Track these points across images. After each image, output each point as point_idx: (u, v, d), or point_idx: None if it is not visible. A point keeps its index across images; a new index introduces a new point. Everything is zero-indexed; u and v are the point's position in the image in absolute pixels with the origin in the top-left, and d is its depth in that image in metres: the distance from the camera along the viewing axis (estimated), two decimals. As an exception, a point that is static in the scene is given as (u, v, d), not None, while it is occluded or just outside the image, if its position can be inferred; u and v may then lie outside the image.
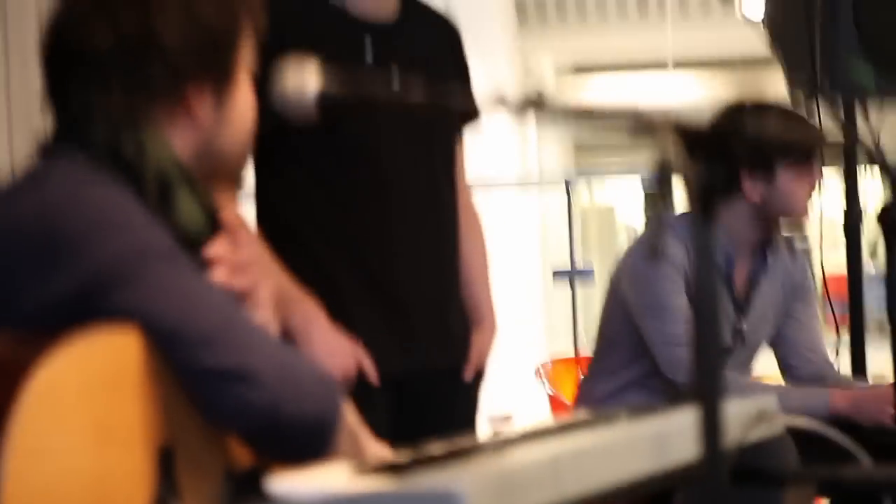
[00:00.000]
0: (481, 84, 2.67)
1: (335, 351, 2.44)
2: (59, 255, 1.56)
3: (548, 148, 16.01)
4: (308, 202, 2.55)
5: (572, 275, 4.90)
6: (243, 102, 1.78)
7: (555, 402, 3.51)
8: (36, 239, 1.58)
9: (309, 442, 1.60)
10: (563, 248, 5.27)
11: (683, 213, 3.24)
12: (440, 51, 2.68)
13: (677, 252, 3.09)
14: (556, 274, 5.04)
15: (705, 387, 1.06)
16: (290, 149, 2.51)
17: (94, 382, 1.49)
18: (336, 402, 1.66)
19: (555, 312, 10.87)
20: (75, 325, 1.50)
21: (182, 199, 1.68)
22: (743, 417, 1.59)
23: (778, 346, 3.45)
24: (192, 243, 1.70)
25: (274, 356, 1.57)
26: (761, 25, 3.70)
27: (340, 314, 2.50)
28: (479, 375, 2.70)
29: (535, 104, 1.28)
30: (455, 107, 1.50)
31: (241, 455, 1.65)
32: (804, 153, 3.09)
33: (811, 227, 3.51)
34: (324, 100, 1.52)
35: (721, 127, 1.18)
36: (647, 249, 2.95)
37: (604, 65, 16.01)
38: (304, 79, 1.56)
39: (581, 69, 16.64)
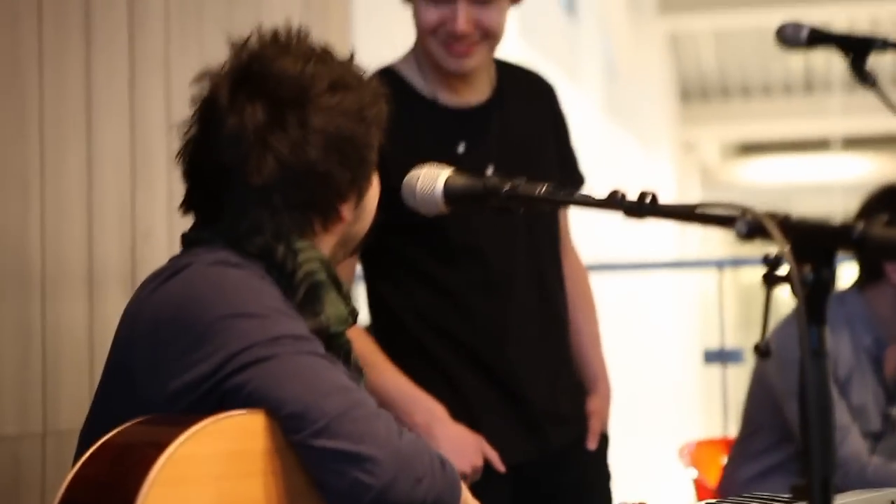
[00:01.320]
0: (642, 165, 2.72)
1: (460, 445, 2.47)
2: (199, 340, 1.67)
3: (710, 229, 15.87)
4: (419, 302, 2.59)
5: (723, 356, 4.92)
6: (373, 193, 1.93)
7: (699, 486, 3.47)
8: (179, 322, 1.70)
9: None
10: (717, 331, 5.29)
11: (838, 296, 3.21)
12: (536, 118, 2.68)
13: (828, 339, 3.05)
14: (709, 356, 5.03)
15: (816, 484, 1.06)
16: (395, 252, 2.56)
17: (222, 461, 1.57)
18: (454, 490, 1.71)
19: (707, 395, 10.74)
20: (209, 407, 1.60)
21: (328, 300, 1.81)
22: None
23: None
24: (334, 337, 1.82)
25: (393, 443, 1.62)
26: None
27: (461, 410, 2.54)
28: (604, 440, 2.72)
29: (642, 205, 1.29)
30: (554, 193, 1.51)
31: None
32: None
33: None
34: (450, 194, 1.56)
35: (850, 220, 1.18)
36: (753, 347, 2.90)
37: (769, 143, 15.85)
38: (435, 175, 1.61)
39: (747, 148, 16.51)
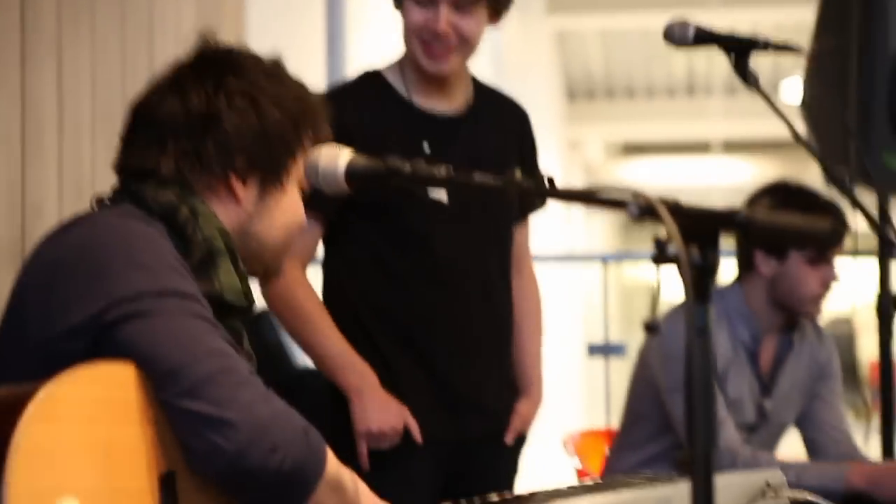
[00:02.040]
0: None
1: (384, 408, 2.67)
2: (90, 283, 1.71)
3: (594, 223, 16.09)
4: (366, 281, 2.77)
5: (606, 349, 5.02)
6: (288, 208, 1.97)
7: (582, 475, 3.54)
8: (75, 264, 1.74)
9: (278, 493, 1.70)
10: (601, 324, 5.38)
11: (718, 293, 3.32)
12: (506, 140, 2.87)
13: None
14: (592, 349, 5.13)
15: (698, 461, 1.12)
16: (353, 232, 2.76)
17: (96, 405, 1.60)
18: (317, 459, 1.75)
19: (590, 387, 10.87)
20: (86, 352, 1.64)
21: (223, 268, 1.85)
22: (748, 490, 1.64)
23: (804, 426, 3.48)
24: (226, 309, 1.85)
25: (254, 411, 1.67)
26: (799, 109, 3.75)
27: (390, 386, 2.72)
28: (520, 441, 2.90)
29: (545, 188, 1.34)
30: (511, 197, 1.57)
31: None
32: (819, 245, 3.16)
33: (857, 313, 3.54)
34: (351, 173, 1.59)
35: (730, 211, 1.24)
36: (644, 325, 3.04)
37: (651, 145, 16.12)
38: (336, 155, 1.65)
39: (630, 148, 16.76)
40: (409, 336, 2.75)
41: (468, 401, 2.77)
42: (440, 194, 2.72)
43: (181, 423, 1.65)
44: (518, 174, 1.42)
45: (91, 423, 1.58)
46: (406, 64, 2.79)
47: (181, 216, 1.84)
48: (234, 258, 1.88)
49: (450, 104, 2.81)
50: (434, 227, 2.74)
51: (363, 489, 1.89)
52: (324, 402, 4.26)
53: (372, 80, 2.79)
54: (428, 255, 2.74)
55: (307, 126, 1.95)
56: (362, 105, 2.72)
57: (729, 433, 3.19)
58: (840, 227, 3.15)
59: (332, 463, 1.80)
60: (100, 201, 1.93)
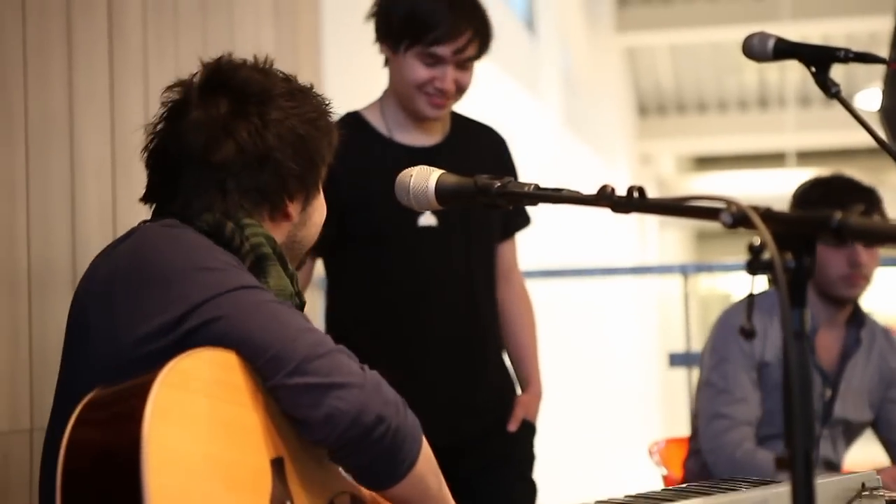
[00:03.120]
0: (600, 177, 2.96)
1: None
2: (158, 290, 1.77)
3: (669, 236, 16.01)
4: (358, 306, 2.97)
5: (688, 359, 5.06)
6: (320, 206, 2.10)
7: (668, 482, 3.56)
8: (136, 273, 1.81)
9: (390, 456, 1.77)
10: (681, 334, 5.41)
11: (765, 292, 3.36)
12: (482, 164, 2.96)
13: (760, 322, 3.27)
14: (674, 358, 5.15)
15: (798, 464, 1.14)
16: (347, 262, 2.97)
17: (217, 385, 1.67)
18: (417, 429, 1.83)
19: (671, 396, 10.83)
20: (166, 358, 1.66)
21: (273, 272, 1.93)
22: (843, 491, 1.65)
23: (881, 429, 3.50)
24: None
25: (359, 372, 1.76)
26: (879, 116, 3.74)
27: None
28: (528, 430, 3.09)
29: (631, 199, 1.37)
30: (543, 189, 1.60)
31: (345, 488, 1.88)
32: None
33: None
34: (441, 191, 1.63)
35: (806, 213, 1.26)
36: (737, 329, 3.16)
37: (724, 157, 16.03)
38: (427, 175, 1.70)
39: (702, 161, 16.68)
40: (400, 353, 2.92)
41: (461, 405, 2.97)
42: (429, 220, 2.87)
43: (296, 399, 1.71)
44: (609, 187, 1.44)
45: (214, 398, 1.65)
46: (388, 104, 3.00)
47: (227, 230, 1.91)
48: (282, 262, 1.96)
49: (429, 138, 2.99)
50: (422, 252, 2.93)
51: (445, 489, 1.94)
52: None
53: (351, 118, 2.98)
54: (416, 277, 2.93)
55: (329, 135, 2.06)
56: (344, 144, 2.85)
57: (738, 431, 3.22)
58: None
59: (427, 446, 1.86)
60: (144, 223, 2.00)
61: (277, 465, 1.73)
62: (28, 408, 2.51)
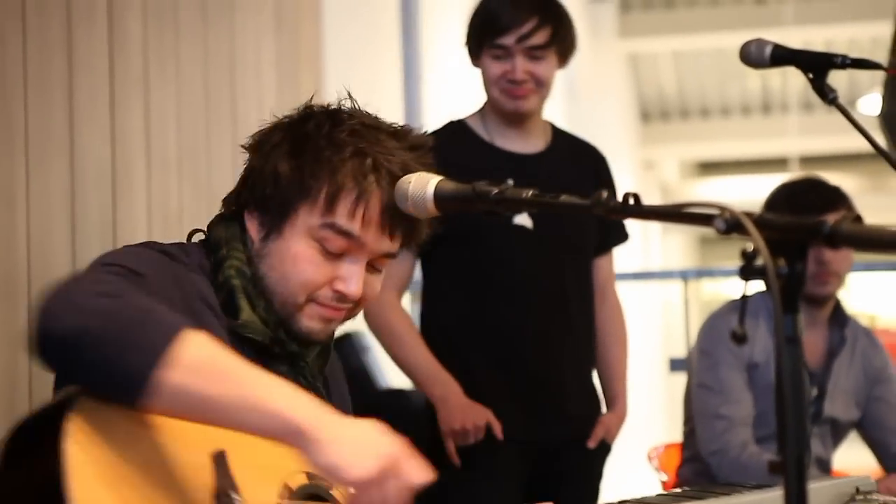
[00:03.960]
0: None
1: (466, 409, 2.93)
2: None
3: (672, 240, 16.02)
4: (455, 304, 3.08)
5: (688, 363, 5.06)
6: (289, 252, 1.92)
7: (667, 487, 3.57)
8: None
9: (103, 362, 1.51)
10: (683, 339, 5.42)
11: (751, 296, 3.38)
12: (583, 176, 3.13)
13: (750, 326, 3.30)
14: (674, 364, 5.16)
15: (790, 465, 1.14)
16: (443, 260, 3.07)
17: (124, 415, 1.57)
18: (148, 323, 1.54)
19: (672, 401, 10.83)
20: None
21: (242, 307, 1.90)
22: (837, 495, 1.66)
23: (867, 428, 3.53)
24: (251, 344, 1.89)
25: (63, 291, 1.60)
26: (879, 121, 3.76)
27: (476, 395, 2.98)
28: (604, 450, 3.15)
29: (626, 205, 1.37)
30: (540, 196, 1.60)
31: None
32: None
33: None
34: (439, 197, 1.63)
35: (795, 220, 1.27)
36: (726, 332, 3.24)
37: (728, 163, 16.03)
38: (426, 181, 1.70)
39: (706, 167, 16.68)
40: (494, 351, 3.00)
41: (549, 407, 3.03)
42: (524, 220, 2.91)
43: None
44: (604, 195, 1.45)
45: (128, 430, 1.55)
46: (487, 112, 3.11)
47: (219, 255, 1.94)
48: (249, 297, 1.91)
49: (529, 145, 3.08)
50: (517, 250, 2.99)
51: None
52: (408, 420, 4.44)
53: (455, 128, 3.11)
54: (510, 276, 2.99)
55: (321, 181, 1.91)
56: (448, 150, 2.86)
57: (740, 432, 3.23)
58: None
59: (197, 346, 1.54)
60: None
61: (219, 457, 1.60)
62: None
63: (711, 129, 14.45)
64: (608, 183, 3.20)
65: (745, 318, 1.21)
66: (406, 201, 1.72)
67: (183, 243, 1.98)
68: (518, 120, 3.07)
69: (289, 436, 1.49)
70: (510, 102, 3.02)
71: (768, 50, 2.40)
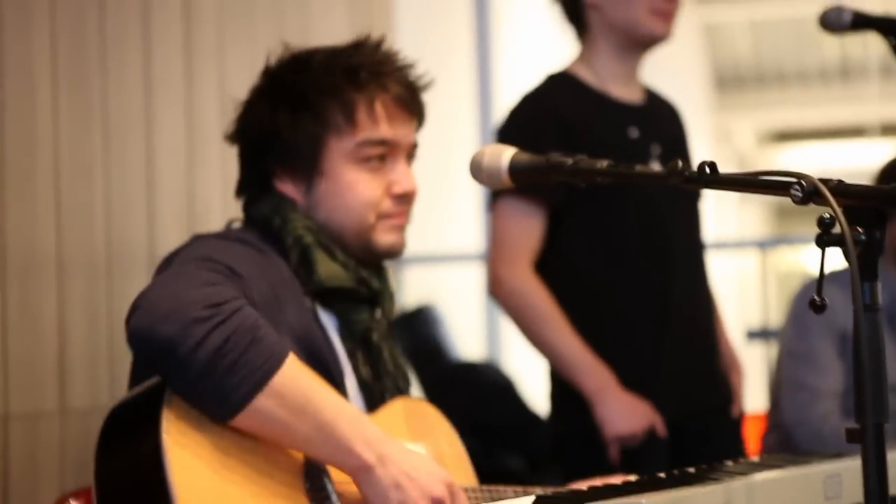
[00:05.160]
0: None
1: (630, 410, 2.68)
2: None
3: (748, 211, 15.87)
4: (592, 264, 2.78)
5: (766, 334, 5.00)
6: (345, 185, 1.98)
7: (750, 456, 3.54)
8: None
9: (206, 379, 1.59)
10: (759, 309, 5.36)
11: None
12: (678, 130, 2.99)
13: (836, 303, 3.22)
14: (751, 335, 5.10)
15: (868, 433, 1.13)
16: (579, 216, 2.76)
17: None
18: (254, 350, 1.61)
19: (750, 372, 10.73)
20: None
21: (318, 259, 1.92)
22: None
23: None
24: (336, 293, 1.93)
25: (162, 295, 1.63)
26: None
27: (625, 370, 2.74)
28: (741, 413, 2.97)
29: (702, 175, 1.36)
30: (615, 167, 1.59)
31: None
32: None
33: None
34: (514, 169, 1.63)
35: (879, 186, 1.25)
36: (807, 303, 3.09)
37: (806, 131, 15.84)
38: (500, 153, 1.69)
39: (783, 135, 16.50)
40: (645, 324, 2.77)
41: (700, 375, 2.83)
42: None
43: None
44: (681, 163, 1.44)
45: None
46: (597, 57, 2.85)
47: (275, 225, 1.94)
48: (326, 248, 1.94)
49: (636, 96, 2.89)
50: (659, 204, 2.78)
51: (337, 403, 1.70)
52: (481, 395, 4.32)
53: (564, 80, 2.86)
54: (655, 233, 2.77)
55: (345, 106, 1.98)
56: (566, 99, 2.81)
57: (823, 404, 3.19)
58: None
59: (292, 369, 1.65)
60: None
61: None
62: (107, 388, 2.56)
63: (789, 97, 14.26)
64: (689, 141, 3.06)
65: (822, 288, 1.19)
66: (481, 173, 1.72)
67: (244, 229, 1.97)
68: (641, 54, 2.87)
69: (355, 472, 1.65)
70: (661, 25, 2.81)
71: (847, 16, 2.36)
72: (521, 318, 2.75)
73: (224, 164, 3.01)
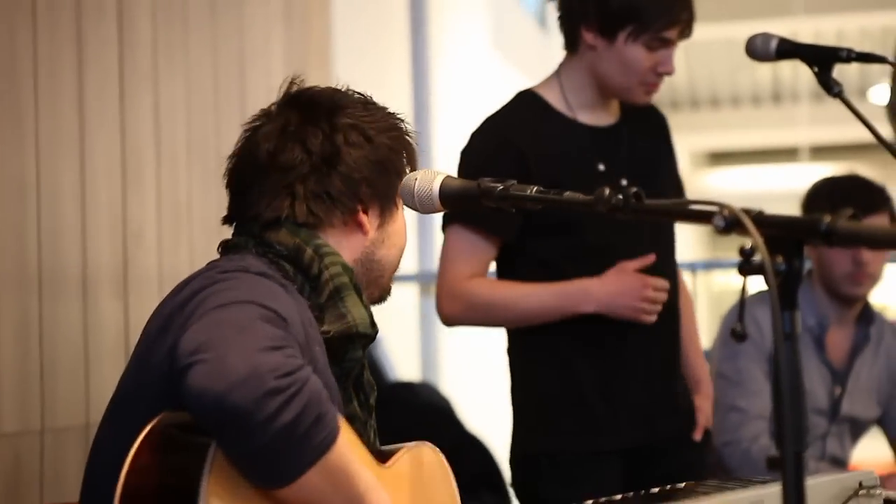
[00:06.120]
0: None
1: (620, 288, 2.70)
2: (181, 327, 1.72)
3: (681, 231, 16.03)
4: None
5: (709, 354, 5.04)
6: (400, 225, 2.05)
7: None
8: (183, 310, 1.76)
9: (267, 446, 1.58)
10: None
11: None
12: (655, 140, 2.94)
13: (765, 325, 3.28)
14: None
15: (788, 461, 1.16)
16: (530, 251, 2.75)
17: None
18: (317, 430, 1.62)
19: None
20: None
21: (351, 301, 1.91)
22: (841, 490, 1.67)
23: (889, 426, 3.51)
24: (354, 341, 1.92)
25: (239, 359, 1.59)
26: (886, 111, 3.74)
27: (575, 396, 2.74)
28: (706, 435, 2.92)
29: (628, 203, 1.39)
30: (544, 192, 1.61)
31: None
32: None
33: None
34: (445, 195, 1.65)
35: (801, 217, 1.28)
36: (730, 331, 3.11)
37: (738, 153, 16.02)
38: (431, 178, 1.71)
39: (716, 157, 16.67)
40: (596, 345, 2.75)
41: (661, 403, 2.80)
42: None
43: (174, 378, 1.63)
44: (607, 190, 1.46)
45: None
46: (570, 84, 2.82)
47: (307, 257, 1.90)
48: (359, 291, 1.94)
49: (608, 117, 2.86)
50: (612, 236, 2.75)
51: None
52: (418, 415, 4.32)
53: (529, 98, 2.83)
54: (608, 266, 2.74)
55: (405, 148, 2.03)
56: (529, 127, 2.77)
57: (753, 425, 3.24)
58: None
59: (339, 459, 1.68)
60: (225, 247, 1.98)
61: None
62: (39, 409, 2.54)
63: (721, 119, 14.43)
64: (672, 148, 3.02)
65: (744, 316, 1.22)
66: (413, 198, 1.74)
67: (257, 258, 1.91)
68: (610, 99, 2.85)
69: None
70: (646, 96, 2.81)
71: (774, 44, 2.41)
72: (484, 314, 2.75)
73: (158, 186, 3.01)
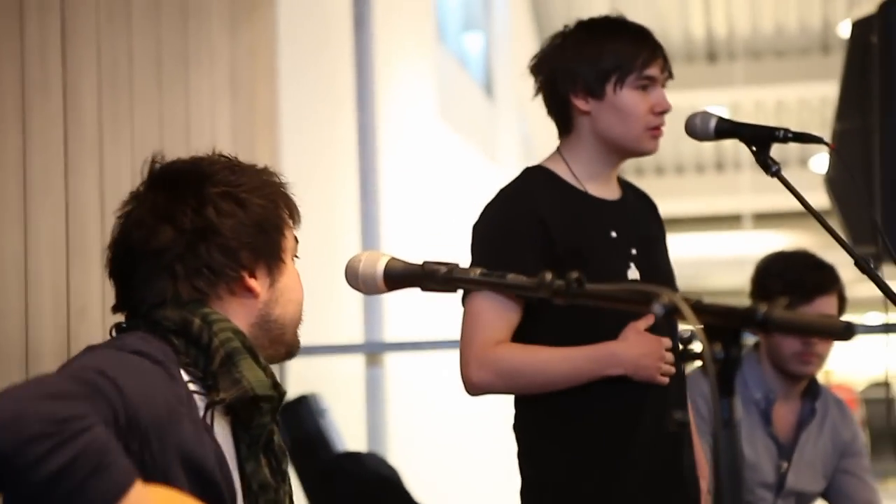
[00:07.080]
0: None
1: (643, 350, 2.59)
2: None
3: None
4: None
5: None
6: (292, 279, 2.03)
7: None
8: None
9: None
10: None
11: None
12: (652, 222, 2.97)
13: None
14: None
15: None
16: (541, 319, 2.70)
17: None
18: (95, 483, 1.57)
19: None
20: None
21: (245, 365, 1.89)
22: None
23: (833, 499, 3.54)
24: (260, 401, 1.90)
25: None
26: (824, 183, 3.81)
27: (590, 481, 2.67)
28: None
29: (569, 287, 1.40)
30: (487, 275, 1.62)
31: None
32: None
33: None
34: (389, 276, 1.66)
35: (743, 306, 1.30)
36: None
37: (682, 220, 16.18)
38: (375, 259, 1.72)
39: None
40: (602, 431, 2.68)
41: (670, 473, 2.71)
42: (633, 273, 2.73)
43: None
44: (549, 276, 1.48)
45: None
46: (575, 158, 2.83)
47: (195, 327, 1.89)
48: (253, 354, 1.92)
49: (612, 193, 2.86)
50: (607, 315, 2.64)
51: None
52: (365, 485, 4.28)
53: (544, 176, 2.82)
54: (614, 323, 2.68)
55: (282, 201, 2.02)
56: (545, 197, 2.77)
57: None
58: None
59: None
60: (117, 330, 1.96)
61: None
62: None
63: (666, 187, 14.58)
64: (665, 233, 3.01)
65: (685, 403, 1.24)
66: (357, 279, 1.75)
67: (141, 337, 1.88)
68: (623, 160, 2.86)
69: None
70: (653, 141, 2.81)
71: (713, 123, 2.46)
72: (513, 385, 2.69)
73: (103, 259, 2.99)
